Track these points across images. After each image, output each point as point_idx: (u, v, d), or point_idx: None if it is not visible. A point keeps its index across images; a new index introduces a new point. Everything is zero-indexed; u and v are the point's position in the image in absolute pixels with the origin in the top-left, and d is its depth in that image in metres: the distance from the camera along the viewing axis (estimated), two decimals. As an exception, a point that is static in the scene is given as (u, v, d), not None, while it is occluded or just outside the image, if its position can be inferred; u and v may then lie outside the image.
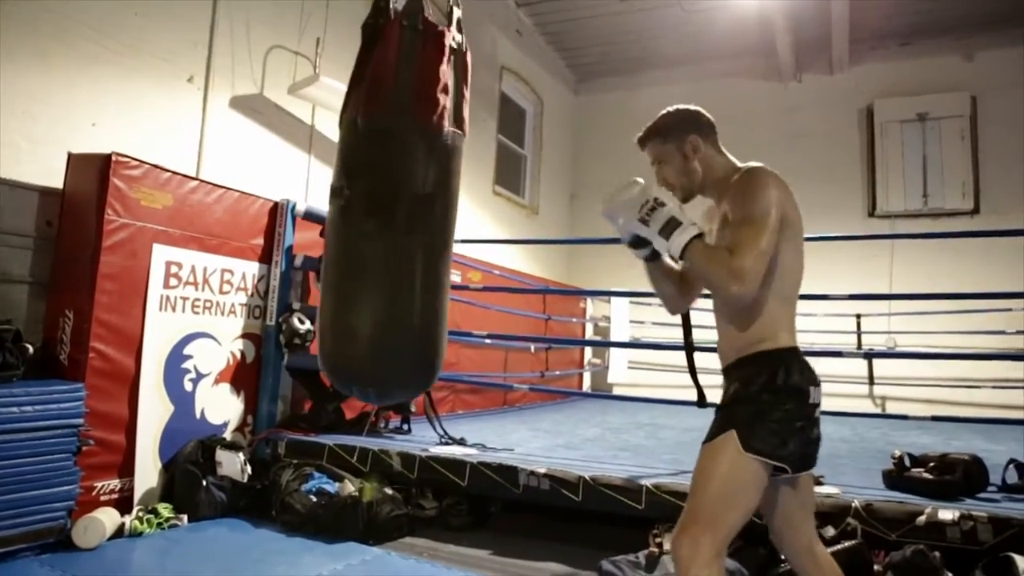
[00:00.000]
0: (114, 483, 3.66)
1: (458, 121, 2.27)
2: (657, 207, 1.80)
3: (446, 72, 2.22)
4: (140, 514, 3.58)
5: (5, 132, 3.61)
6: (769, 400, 1.80)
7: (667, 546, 3.00)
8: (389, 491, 3.76)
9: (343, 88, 5.96)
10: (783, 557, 2.72)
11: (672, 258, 1.94)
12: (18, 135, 3.67)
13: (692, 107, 2.07)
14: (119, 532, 3.43)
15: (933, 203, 8.32)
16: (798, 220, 1.89)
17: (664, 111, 2.07)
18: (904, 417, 5.10)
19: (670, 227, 1.78)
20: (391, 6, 2.19)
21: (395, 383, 2.28)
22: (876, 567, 2.71)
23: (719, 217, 1.96)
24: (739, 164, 2.01)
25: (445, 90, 2.21)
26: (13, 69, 3.64)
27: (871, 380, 8.23)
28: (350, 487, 3.76)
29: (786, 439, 1.78)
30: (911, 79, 8.57)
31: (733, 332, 1.92)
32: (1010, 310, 6.99)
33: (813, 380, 1.85)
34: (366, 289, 2.15)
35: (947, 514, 2.75)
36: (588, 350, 9.45)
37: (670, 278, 2.10)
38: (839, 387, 7.95)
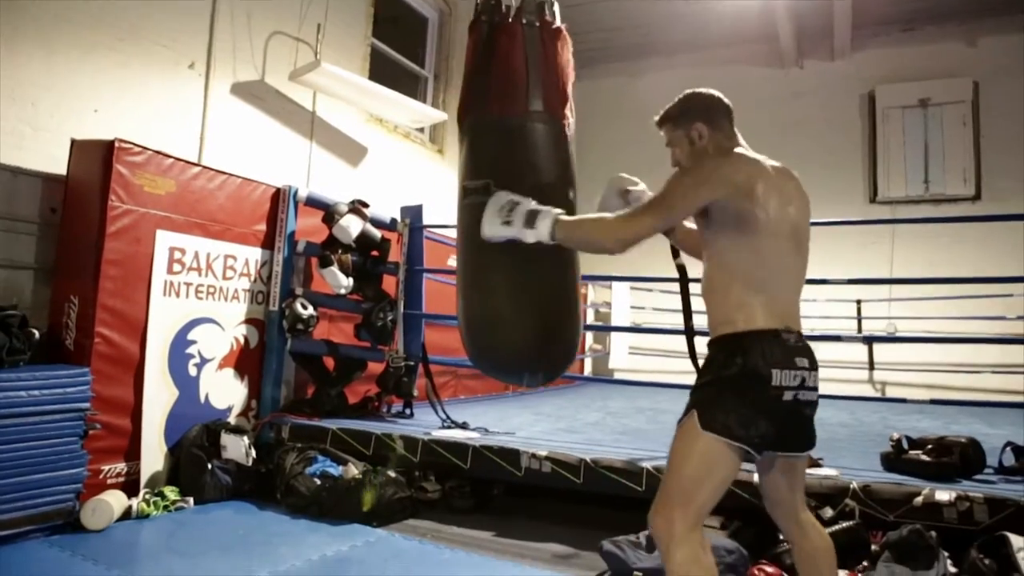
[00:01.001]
0: (120, 466, 3.70)
1: (573, 109, 2.38)
2: (513, 206, 1.89)
3: (569, 65, 2.33)
4: (147, 497, 3.63)
5: (7, 119, 3.63)
6: (726, 382, 1.83)
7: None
8: (392, 474, 3.79)
9: (344, 74, 5.95)
10: (780, 536, 2.77)
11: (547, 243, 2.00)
12: (20, 121, 3.69)
13: (708, 92, 2.09)
14: (126, 515, 3.47)
15: (934, 189, 8.31)
16: (773, 205, 1.89)
17: (684, 93, 2.10)
18: (903, 400, 5.13)
19: (531, 218, 1.87)
20: (502, 4, 2.29)
21: (559, 364, 2.41)
22: (873, 547, 2.75)
23: None
24: (749, 152, 2.02)
25: (569, 82, 2.33)
26: (14, 56, 3.66)
27: (871, 365, 8.26)
28: (354, 470, 3.80)
29: (747, 422, 1.79)
30: (913, 65, 8.54)
31: (709, 313, 1.98)
32: (1011, 296, 7.00)
33: (782, 363, 1.82)
34: (532, 281, 2.24)
35: (944, 495, 2.78)
36: (589, 336, 9.47)
37: (688, 240, 2.21)
38: (839, 372, 8.00)
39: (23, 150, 3.68)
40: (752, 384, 1.82)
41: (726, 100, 2.10)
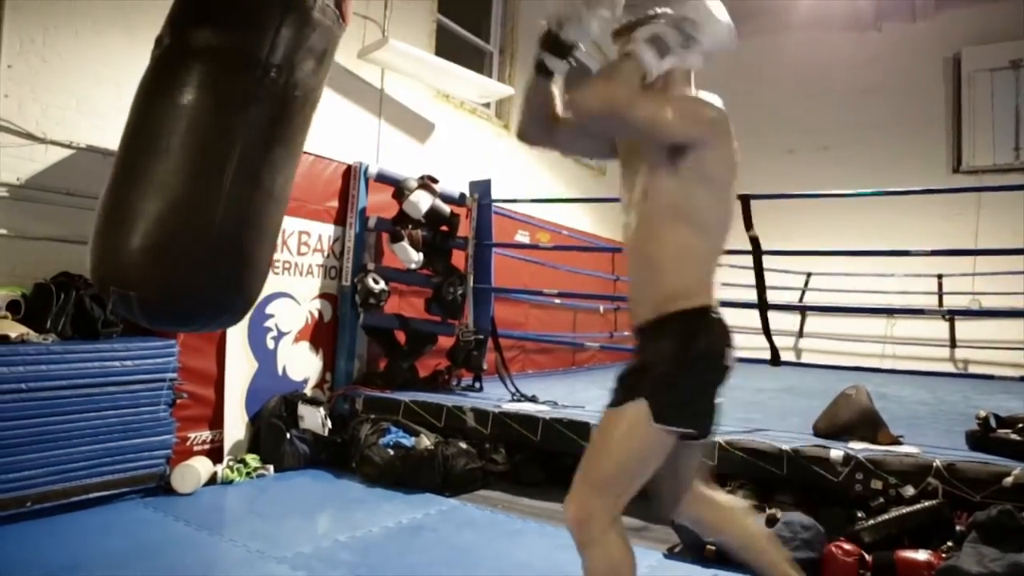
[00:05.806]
0: (206, 435, 3.88)
1: (338, 2, 1.93)
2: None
3: None
4: (230, 464, 3.80)
5: (95, 101, 3.79)
6: (683, 368, 1.67)
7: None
8: (464, 445, 3.86)
9: (412, 51, 5.96)
10: (859, 514, 2.71)
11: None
12: (106, 105, 3.84)
13: None
14: (212, 480, 3.65)
15: (1026, 156, 7.89)
16: (725, 168, 1.74)
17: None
18: (990, 377, 4.90)
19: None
20: None
21: (173, 291, 1.80)
22: (958, 527, 2.67)
23: None
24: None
25: None
26: (102, 41, 3.81)
27: (952, 343, 7.93)
28: (426, 441, 3.89)
29: (697, 406, 1.69)
30: (1004, 24, 8.05)
31: (649, 284, 1.76)
32: (1107, 269, 6.59)
33: (728, 341, 1.74)
34: (161, 165, 1.78)
35: (1036, 475, 2.68)
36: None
37: (547, 104, 1.94)
38: (918, 350, 7.74)
39: (107, 132, 3.83)
40: (713, 367, 1.70)
41: None
